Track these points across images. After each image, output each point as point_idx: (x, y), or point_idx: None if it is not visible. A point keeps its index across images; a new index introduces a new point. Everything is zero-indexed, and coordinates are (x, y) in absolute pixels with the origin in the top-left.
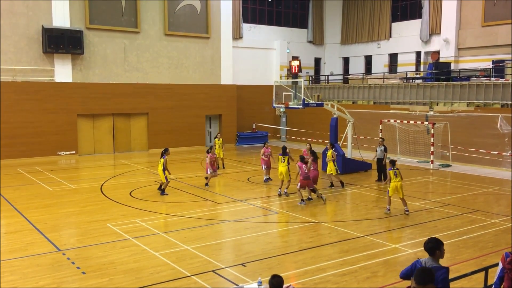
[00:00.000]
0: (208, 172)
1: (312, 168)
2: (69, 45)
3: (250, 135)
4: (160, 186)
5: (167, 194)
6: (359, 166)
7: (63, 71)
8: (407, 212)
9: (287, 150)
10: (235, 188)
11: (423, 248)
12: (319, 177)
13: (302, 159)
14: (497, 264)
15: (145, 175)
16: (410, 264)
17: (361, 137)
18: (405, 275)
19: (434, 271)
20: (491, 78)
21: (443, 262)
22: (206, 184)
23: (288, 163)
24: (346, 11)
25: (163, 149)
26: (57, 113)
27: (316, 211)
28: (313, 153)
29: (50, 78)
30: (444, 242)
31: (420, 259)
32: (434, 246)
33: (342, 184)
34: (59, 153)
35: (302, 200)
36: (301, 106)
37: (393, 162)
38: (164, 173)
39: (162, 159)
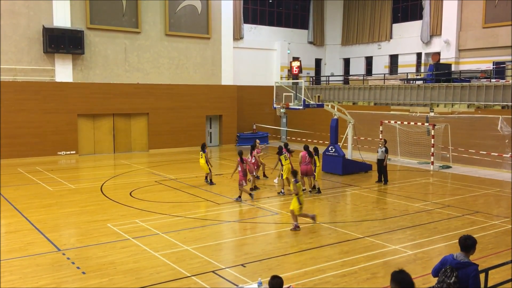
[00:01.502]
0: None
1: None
2: (69, 45)
3: (250, 136)
4: (206, 177)
5: (215, 184)
6: (359, 167)
7: (63, 71)
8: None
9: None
10: (235, 189)
11: (458, 243)
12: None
13: (241, 154)
14: (497, 266)
15: (145, 175)
16: (440, 261)
17: (361, 138)
18: (436, 272)
19: (464, 265)
20: (492, 80)
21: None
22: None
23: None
24: (346, 12)
25: (201, 144)
26: (58, 113)
27: (316, 212)
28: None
29: (50, 78)
30: (444, 244)
31: (452, 254)
32: (473, 244)
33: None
34: (59, 153)
35: (239, 196)
36: (301, 107)
37: (295, 173)
38: (208, 165)
39: (204, 153)
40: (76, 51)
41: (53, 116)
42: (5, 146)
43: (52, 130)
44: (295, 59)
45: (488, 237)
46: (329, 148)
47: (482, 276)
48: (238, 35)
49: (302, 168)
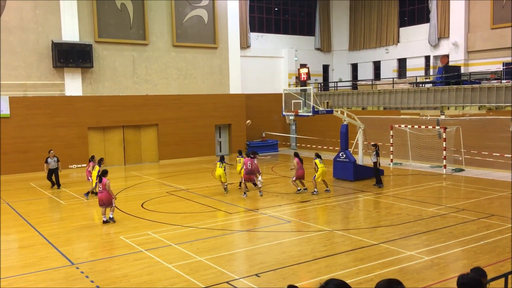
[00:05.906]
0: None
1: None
2: (78, 59)
3: (260, 144)
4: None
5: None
6: (370, 173)
7: (73, 85)
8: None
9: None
10: (246, 198)
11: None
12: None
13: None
14: None
15: (156, 186)
16: None
17: (372, 143)
18: None
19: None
20: (502, 81)
21: (460, 269)
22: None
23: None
24: (353, 17)
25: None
26: (68, 126)
27: (330, 219)
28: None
29: (60, 92)
30: (461, 248)
31: None
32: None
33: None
34: (71, 166)
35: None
36: (311, 114)
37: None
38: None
39: (224, 163)
40: (85, 65)
41: (63, 130)
42: (17, 161)
43: (63, 143)
44: (303, 66)
45: (505, 240)
46: (340, 154)
47: (501, 282)
48: (245, 44)
49: (299, 173)
